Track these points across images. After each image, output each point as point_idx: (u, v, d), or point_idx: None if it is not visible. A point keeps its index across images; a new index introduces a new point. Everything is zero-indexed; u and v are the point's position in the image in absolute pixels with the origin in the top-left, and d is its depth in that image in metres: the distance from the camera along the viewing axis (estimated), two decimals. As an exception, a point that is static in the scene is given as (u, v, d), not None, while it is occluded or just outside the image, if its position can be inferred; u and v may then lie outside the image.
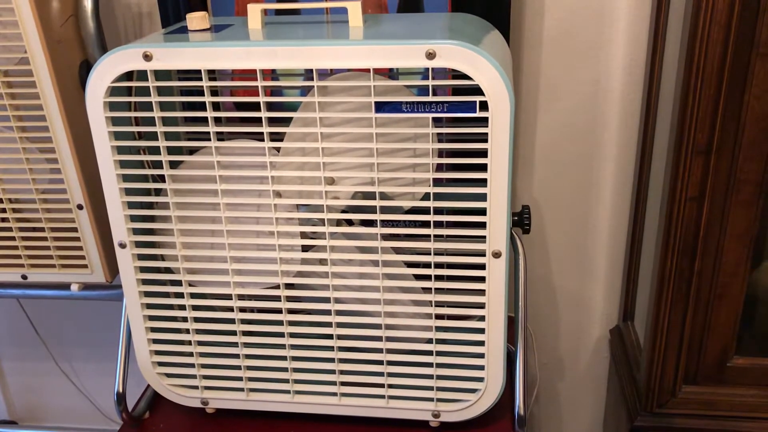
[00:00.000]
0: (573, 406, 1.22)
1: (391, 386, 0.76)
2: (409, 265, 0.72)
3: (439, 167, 0.69)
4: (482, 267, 0.69)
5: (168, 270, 0.77)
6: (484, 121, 0.63)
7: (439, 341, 0.73)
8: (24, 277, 0.94)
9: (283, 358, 0.76)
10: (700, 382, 0.88)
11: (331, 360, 0.76)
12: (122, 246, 0.73)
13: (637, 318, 1.06)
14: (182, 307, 0.76)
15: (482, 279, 0.69)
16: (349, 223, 0.73)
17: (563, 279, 1.11)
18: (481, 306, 0.70)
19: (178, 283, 0.75)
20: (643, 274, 1.01)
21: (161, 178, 0.71)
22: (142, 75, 0.67)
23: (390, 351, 0.75)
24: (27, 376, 1.37)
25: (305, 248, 0.73)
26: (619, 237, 1.07)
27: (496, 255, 0.68)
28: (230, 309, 0.75)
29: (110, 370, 1.29)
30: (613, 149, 1.01)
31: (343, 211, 0.72)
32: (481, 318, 0.71)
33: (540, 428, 1.25)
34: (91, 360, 1.32)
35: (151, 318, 0.77)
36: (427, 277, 0.71)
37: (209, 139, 0.68)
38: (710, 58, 0.72)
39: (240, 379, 0.78)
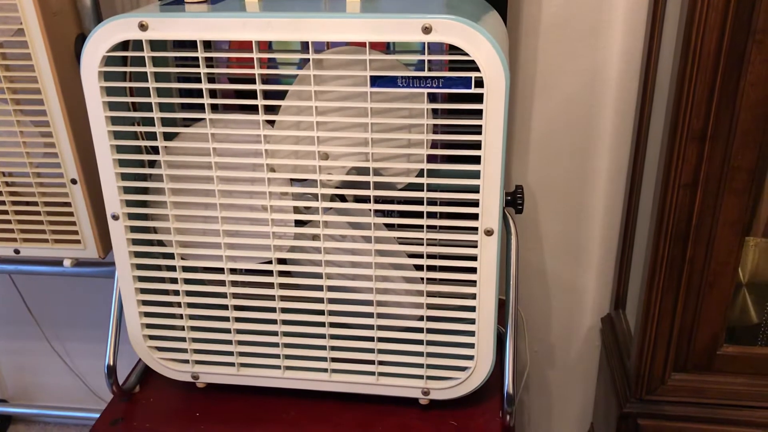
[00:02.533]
0: (563, 394, 1.22)
1: (381, 363, 0.76)
2: (402, 243, 0.72)
3: (434, 144, 0.69)
4: (474, 245, 0.69)
5: (161, 243, 0.77)
6: (479, 98, 0.63)
7: (430, 319, 0.73)
8: (17, 251, 0.93)
9: (275, 333, 0.77)
10: (690, 369, 0.88)
11: (322, 336, 0.76)
12: (115, 218, 0.73)
13: (629, 307, 1.06)
14: (174, 281, 0.76)
15: (474, 257, 0.69)
16: (343, 199, 0.73)
17: (556, 267, 1.11)
18: (473, 284, 0.71)
19: (171, 256, 0.75)
20: (636, 263, 1.02)
21: (155, 150, 0.71)
22: (137, 46, 0.67)
23: (381, 328, 0.75)
24: (19, 355, 1.37)
25: (298, 223, 0.73)
26: (613, 225, 1.07)
27: (489, 233, 0.68)
28: (222, 283, 0.75)
29: (102, 351, 1.28)
30: (608, 136, 1.01)
31: (337, 187, 0.72)
32: (473, 296, 0.71)
33: (530, 416, 1.25)
34: (83, 340, 1.32)
35: (143, 291, 0.77)
36: (420, 255, 0.71)
37: (204, 112, 0.68)
38: (707, 44, 0.72)
39: (231, 354, 0.78)
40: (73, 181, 0.87)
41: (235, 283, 0.76)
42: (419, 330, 0.74)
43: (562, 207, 1.07)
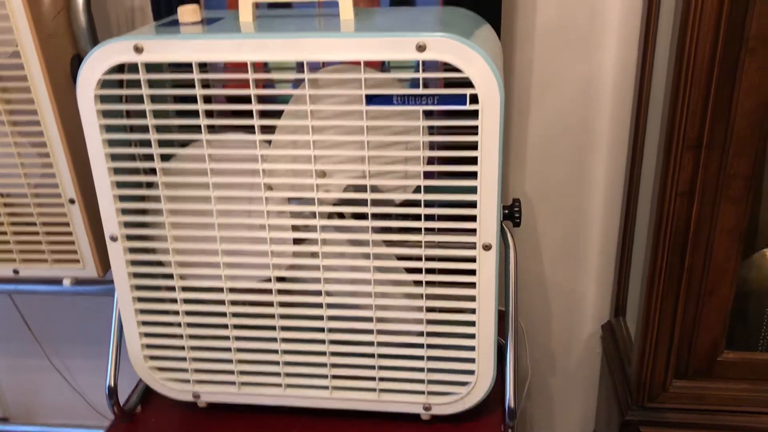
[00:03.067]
0: (565, 401, 1.22)
1: (382, 379, 0.76)
2: (401, 258, 0.72)
3: (431, 160, 0.69)
4: (473, 260, 0.69)
5: (160, 263, 0.77)
6: (474, 114, 0.63)
7: (430, 334, 0.73)
8: (16, 271, 0.93)
9: (275, 351, 0.77)
10: (691, 376, 0.88)
11: (323, 353, 0.76)
12: (113, 239, 0.73)
13: (629, 313, 1.06)
14: (174, 301, 0.76)
15: (473, 272, 0.70)
16: (341, 216, 0.73)
17: (555, 275, 1.12)
18: (472, 299, 0.71)
19: (170, 276, 0.75)
20: (635, 270, 1.02)
21: (152, 171, 0.71)
22: (133, 68, 0.67)
23: (381, 344, 0.75)
24: (19, 373, 1.37)
25: (297, 241, 0.73)
26: (611, 233, 1.07)
27: (487, 248, 0.68)
28: (222, 302, 0.75)
29: (103, 367, 1.29)
30: (605, 145, 1.01)
31: (335, 205, 0.72)
32: (472, 311, 0.71)
33: (532, 424, 1.25)
34: (84, 356, 1.32)
35: (143, 311, 0.77)
36: (419, 271, 0.71)
37: (200, 132, 0.68)
38: (700, 53, 0.72)
39: (232, 372, 0.78)
40: (71, 201, 0.87)
41: (234, 302, 0.76)
42: (419, 345, 0.74)
43: (560, 215, 1.07)
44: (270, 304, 0.75)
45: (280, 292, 0.74)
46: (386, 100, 0.65)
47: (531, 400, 1.22)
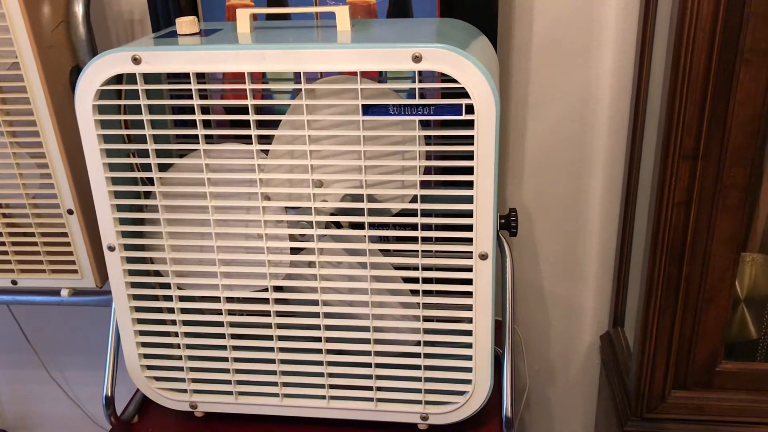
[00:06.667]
0: (564, 412, 1.22)
1: (379, 389, 0.76)
2: (398, 267, 0.73)
3: (427, 170, 0.70)
4: (469, 269, 0.69)
5: (157, 273, 0.77)
6: (470, 124, 0.63)
7: (427, 344, 0.73)
8: (14, 282, 0.93)
9: (272, 361, 0.77)
10: (690, 386, 0.88)
11: (320, 363, 0.76)
12: (111, 249, 0.73)
13: (627, 324, 1.06)
14: (171, 310, 0.76)
15: (469, 281, 0.70)
16: (338, 225, 0.74)
17: (554, 285, 1.12)
18: (469, 308, 0.71)
19: (167, 286, 0.75)
20: (633, 280, 1.02)
21: (150, 181, 0.72)
22: (131, 78, 0.67)
23: (378, 353, 0.75)
24: (17, 384, 1.37)
25: (294, 251, 0.74)
26: (609, 243, 1.07)
27: (483, 257, 0.68)
28: (219, 312, 0.75)
29: (101, 378, 1.28)
30: (602, 155, 1.02)
31: (332, 214, 0.72)
32: (469, 320, 0.71)
33: (531, 435, 1.25)
34: (82, 367, 1.32)
35: (140, 321, 0.77)
36: (415, 280, 0.71)
37: (198, 143, 0.68)
38: (696, 64, 0.73)
39: (229, 382, 0.78)
40: (70, 212, 0.87)
41: (232, 312, 0.76)
42: (416, 355, 0.74)
43: (558, 226, 1.07)
44: (267, 313, 0.75)
45: (278, 301, 0.74)
46: (383, 110, 0.65)
47: (530, 411, 1.22)
